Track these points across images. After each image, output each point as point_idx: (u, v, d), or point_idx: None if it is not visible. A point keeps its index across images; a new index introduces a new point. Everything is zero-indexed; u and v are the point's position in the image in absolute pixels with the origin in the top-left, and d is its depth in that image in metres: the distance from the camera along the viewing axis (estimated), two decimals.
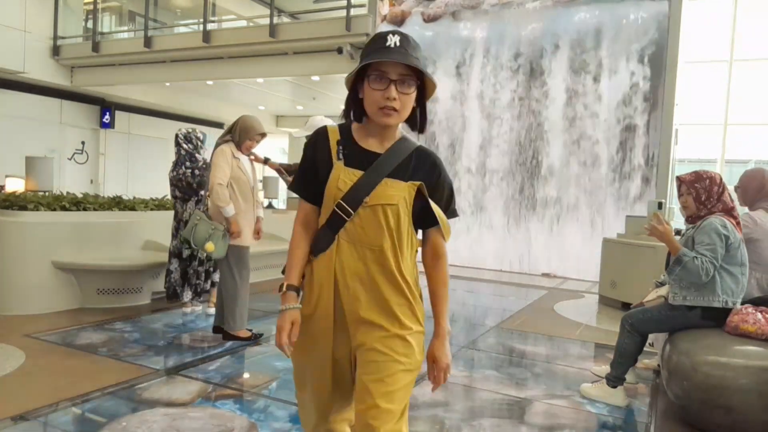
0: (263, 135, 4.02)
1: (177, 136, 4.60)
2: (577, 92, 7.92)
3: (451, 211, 1.58)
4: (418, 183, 1.49)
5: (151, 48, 10.34)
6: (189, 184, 4.52)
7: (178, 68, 10.64)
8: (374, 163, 1.49)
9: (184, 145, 4.56)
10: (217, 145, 3.92)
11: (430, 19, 8.75)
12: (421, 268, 1.59)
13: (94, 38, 10.99)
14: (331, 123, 1.71)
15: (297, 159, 1.60)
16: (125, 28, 13.30)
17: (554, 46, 8.04)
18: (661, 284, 3.35)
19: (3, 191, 5.93)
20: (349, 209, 1.47)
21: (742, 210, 3.31)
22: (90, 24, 11.87)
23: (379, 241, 1.47)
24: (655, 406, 3.17)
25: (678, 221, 5.05)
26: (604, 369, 3.28)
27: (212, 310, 4.62)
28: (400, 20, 8.91)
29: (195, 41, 9.89)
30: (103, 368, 3.35)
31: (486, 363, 3.85)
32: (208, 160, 4.24)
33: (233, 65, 10.07)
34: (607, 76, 7.77)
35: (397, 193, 1.47)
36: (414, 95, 1.47)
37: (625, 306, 5.14)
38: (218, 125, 14.09)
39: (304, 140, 1.57)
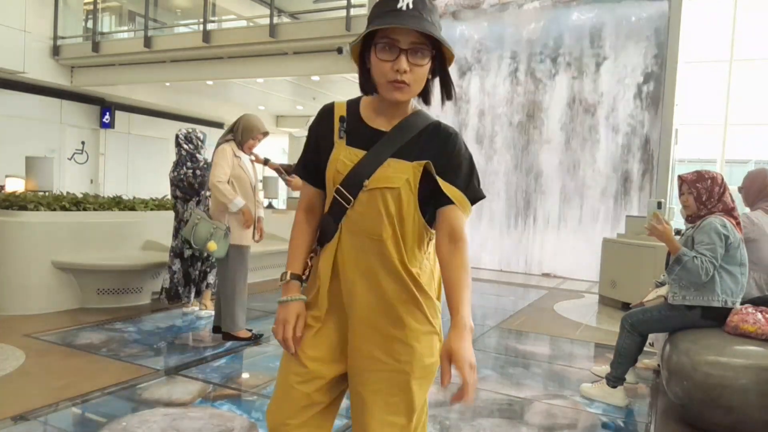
0: (265, 134, 4.03)
1: (177, 136, 4.60)
2: (577, 92, 7.92)
3: (472, 189, 1.33)
4: (424, 162, 1.29)
5: (151, 48, 10.34)
6: (190, 184, 4.52)
7: (178, 68, 10.65)
8: (378, 142, 1.31)
9: (185, 146, 4.56)
10: (219, 144, 3.93)
11: None
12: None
13: (94, 38, 11.00)
14: None
15: (297, 159, 1.52)
16: (125, 28, 13.32)
17: (554, 45, 8.05)
18: (661, 284, 3.35)
19: (3, 191, 5.93)
20: (349, 195, 1.30)
21: (744, 211, 3.32)
22: (90, 24, 11.89)
23: (379, 229, 1.29)
24: (655, 406, 3.17)
25: (678, 221, 5.05)
26: (604, 369, 3.28)
27: (204, 312, 4.63)
28: None
29: (195, 41, 9.90)
30: (103, 368, 3.35)
31: (486, 363, 3.85)
32: (209, 160, 4.25)
33: (233, 65, 10.08)
34: (606, 76, 7.77)
35: (399, 175, 1.28)
36: (428, 67, 1.27)
37: (625, 306, 5.14)
38: (218, 125, 14.10)
39: (305, 140, 1.51)
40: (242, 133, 3.91)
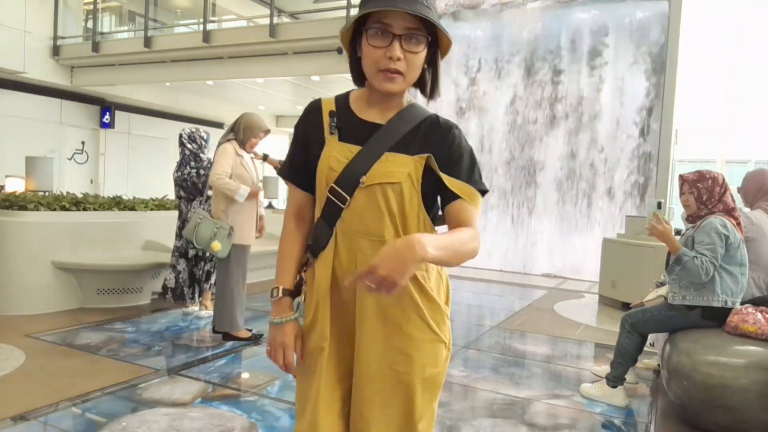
0: (267, 132, 4.03)
1: (181, 136, 4.59)
2: (577, 91, 7.93)
3: (475, 182, 1.25)
4: (426, 156, 1.21)
5: (151, 48, 10.34)
6: (194, 184, 4.51)
7: (178, 68, 10.64)
8: (373, 136, 1.22)
9: (189, 145, 4.56)
10: (220, 144, 3.93)
11: None
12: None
13: (94, 38, 10.99)
14: None
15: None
16: (125, 28, 13.31)
17: (554, 46, 8.05)
18: (661, 284, 3.35)
19: (3, 191, 5.93)
20: (344, 194, 1.20)
21: (743, 210, 3.32)
22: (90, 24, 11.88)
23: (380, 229, 1.19)
24: (655, 406, 3.17)
25: (678, 221, 5.05)
26: (604, 369, 3.28)
27: (204, 312, 4.62)
28: None
29: (195, 41, 9.89)
30: (103, 368, 3.35)
31: (486, 363, 3.85)
32: (212, 160, 4.25)
33: (233, 65, 10.07)
34: (606, 76, 7.77)
35: (400, 170, 1.19)
36: (423, 54, 1.19)
37: (625, 306, 5.14)
38: (218, 125, 14.09)
39: (291, 140, 1.42)
40: (243, 132, 3.91)
